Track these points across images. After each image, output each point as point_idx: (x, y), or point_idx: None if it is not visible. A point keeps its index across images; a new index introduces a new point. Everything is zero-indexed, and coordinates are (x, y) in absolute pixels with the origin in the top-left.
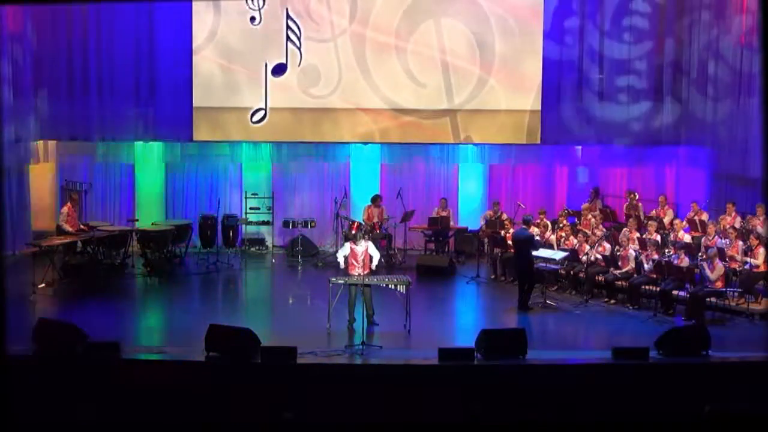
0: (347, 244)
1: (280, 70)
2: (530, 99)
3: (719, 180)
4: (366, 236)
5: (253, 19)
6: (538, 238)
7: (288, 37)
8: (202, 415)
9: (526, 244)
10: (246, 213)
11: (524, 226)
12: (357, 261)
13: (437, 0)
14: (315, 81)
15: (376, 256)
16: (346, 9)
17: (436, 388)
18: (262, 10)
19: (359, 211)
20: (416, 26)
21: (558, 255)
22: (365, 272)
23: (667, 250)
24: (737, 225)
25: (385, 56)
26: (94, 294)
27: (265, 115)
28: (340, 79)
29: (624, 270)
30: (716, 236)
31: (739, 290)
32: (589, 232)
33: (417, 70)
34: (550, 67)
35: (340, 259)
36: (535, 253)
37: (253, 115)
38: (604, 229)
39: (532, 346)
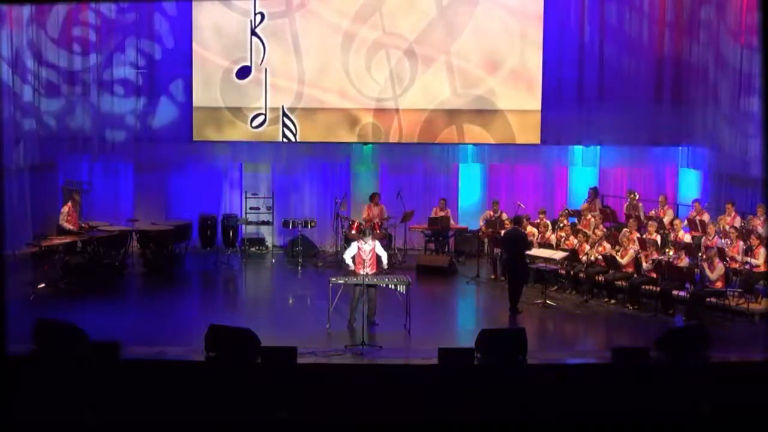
0: (354, 244)
1: (245, 72)
2: (530, 99)
3: (719, 180)
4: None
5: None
6: (532, 238)
7: (254, 33)
8: (202, 415)
9: (518, 243)
10: (246, 213)
11: (516, 226)
12: (364, 261)
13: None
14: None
15: (384, 255)
16: (346, 9)
17: (436, 388)
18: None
19: (359, 211)
20: (416, 26)
21: (558, 255)
22: (372, 272)
23: (667, 250)
24: (737, 225)
25: (383, 55)
26: (94, 294)
27: (264, 119)
28: (341, 78)
29: (624, 259)
30: (716, 236)
31: (739, 290)
32: (589, 232)
33: (416, 69)
34: (550, 67)
35: (348, 261)
36: (534, 252)
37: (252, 120)
38: (604, 229)
39: (532, 346)
